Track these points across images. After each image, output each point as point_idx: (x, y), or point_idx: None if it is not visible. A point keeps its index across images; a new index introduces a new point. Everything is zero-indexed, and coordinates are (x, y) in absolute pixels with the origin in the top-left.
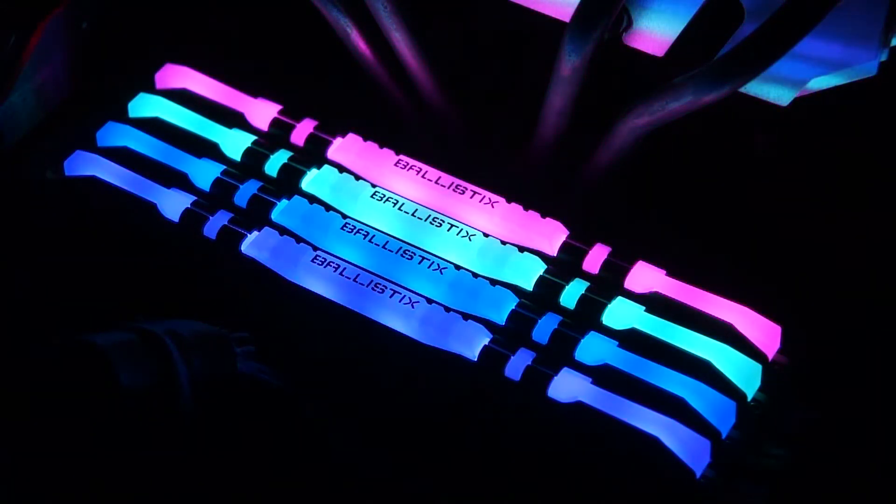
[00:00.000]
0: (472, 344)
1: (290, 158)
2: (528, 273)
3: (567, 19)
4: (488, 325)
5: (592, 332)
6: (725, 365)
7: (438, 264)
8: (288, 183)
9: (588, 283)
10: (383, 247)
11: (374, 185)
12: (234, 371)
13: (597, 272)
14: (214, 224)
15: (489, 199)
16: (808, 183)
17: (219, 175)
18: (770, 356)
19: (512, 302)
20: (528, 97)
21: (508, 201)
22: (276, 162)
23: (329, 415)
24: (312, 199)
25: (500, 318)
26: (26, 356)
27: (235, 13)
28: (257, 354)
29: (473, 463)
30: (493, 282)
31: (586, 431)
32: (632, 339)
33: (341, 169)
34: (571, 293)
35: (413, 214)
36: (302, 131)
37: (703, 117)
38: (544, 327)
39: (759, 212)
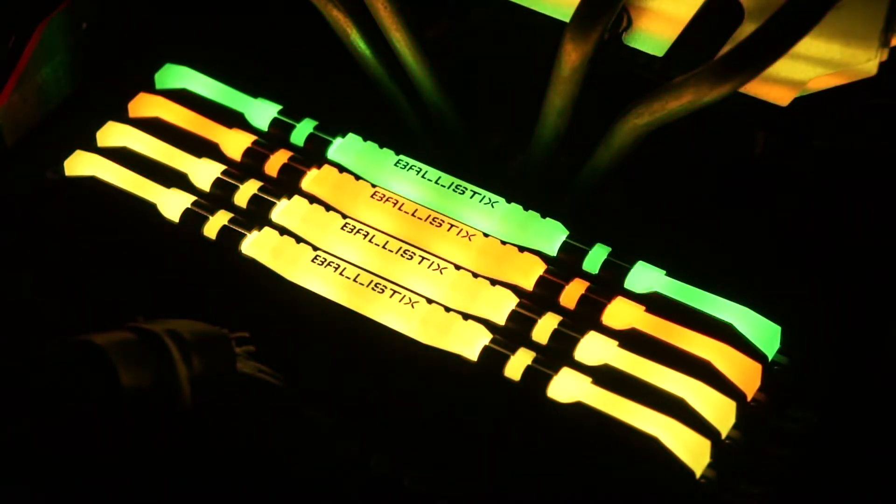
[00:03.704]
0: (472, 344)
1: (290, 159)
2: (528, 273)
3: (567, 19)
4: (488, 325)
5: (592, 332)
6: (725, 365)
7: (438, 264)
8: (288, 183)
9: (588, 283)
10: (383, 247)
11: (373, 186)
12: (234, 371)
13: (597, 272)
14: (214, 224)
15: (489, 199)
16: (808, 183)
17: (219, 175)
18: (770, 356)
19: (512, 302)
20: (528, 97)
21: (508, 201)
22: (276, 162)
23: (329, 415)
24: (312, 199)
25: (500, 318)
26: (26, 356)
27: (235, 13)
28: (257, 354)
29: (473, 463)
30: (493, 282)
31: (586, 431)
32: (632, 339)
33: (341, 169)
34: (571, 293)
35: (413, 214)
36: (302, 131)
37: (703, 117)
38: (544, 327)
39: (759, 212)
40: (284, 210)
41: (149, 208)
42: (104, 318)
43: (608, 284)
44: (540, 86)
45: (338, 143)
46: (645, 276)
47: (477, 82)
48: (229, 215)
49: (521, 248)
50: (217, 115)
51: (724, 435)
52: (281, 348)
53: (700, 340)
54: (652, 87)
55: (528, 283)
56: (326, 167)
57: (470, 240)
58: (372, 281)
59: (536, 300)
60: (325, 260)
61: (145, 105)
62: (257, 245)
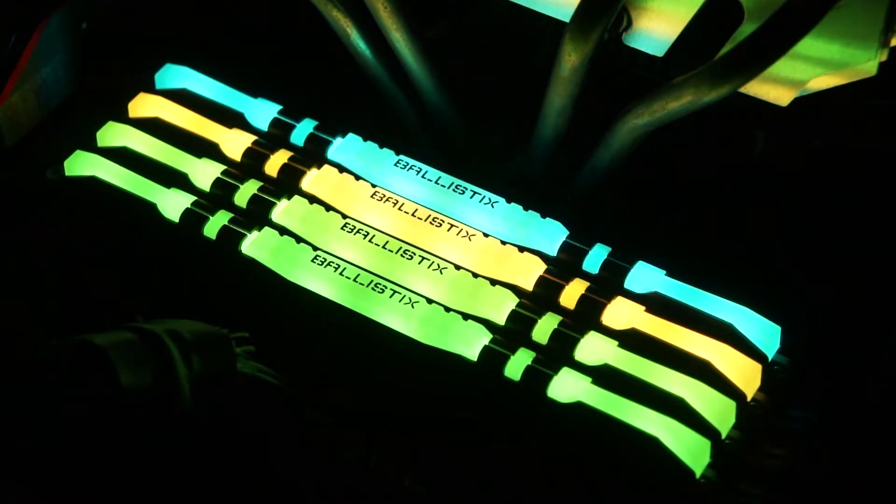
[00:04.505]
0: (472, 344)
1: (290, 158)
2: (528, 273)
3: (567, 19)
4: (488, 325)
5: (592, 332)
6: (725, 365)
7: (438, 264)
8: (288, 183)
9: (588, 283)
10: (383, 247)
11: (373, 186)
12: (234, 371)
13: (597, 272)
14: (214, 224)
15: (489, 199)
16: (808, 183)
17: (219, 175)
18: (770, 356)
19: (512, 302)
20: (528, 97)
21: (508, 201)
22: (276, 162)
23: (329, 415)
24: (312, 199)
25: (500, 318)
26: (26, 356)
27: (235, 13)
28: (257, 354)
29: (474, 463)
30: (493, 282)
31: (586, 431)
32: (632, 339)
33: (341, 169)
34: (571, 293)
35: (413, 214)
36: (302, 131)
37: (703, 117)
38: (544, 327)
39: (759, 212)
40: (284, 210)
41: (149, 208)
42: (104, 318)
43: (608, 284)
44: (540, 86)
45: (338, 143)
46: (645, 276)
47: (477, 82)
48: (229, 215)
49: (521, 248)
50: (217, 115)
51: (724, 435)
52: (281, 348)
53: (700, 340)
54: (652, 87)
55: (528, 283)
56: (326, 167)
57: (470, 240)
58: (372, 281)
59: (536, 300)
60: (325, 260)
61: (145, 105)
62: (257, 245)
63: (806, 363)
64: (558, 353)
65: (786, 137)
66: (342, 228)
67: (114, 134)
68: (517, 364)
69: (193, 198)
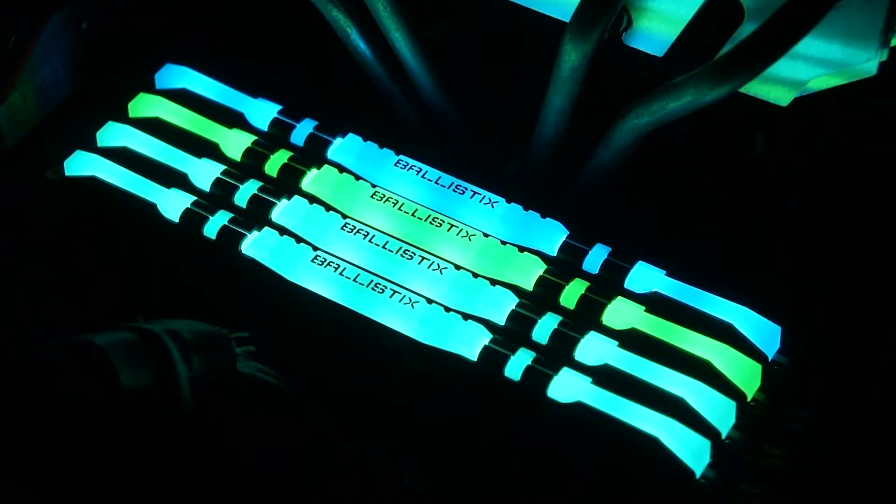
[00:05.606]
0: (472, 344)
1: (290, 158)
2: (528, 273)
3: (567, 19)
4: (488, 325)
5: (592, 332)
6: (725, 365)
7: (438, 264)
8: (288, 183)
9: (588, 283)
10: (383, 247)
11: (374, 185)
12: (234, 371)
13: (597, 272)
14: (214, 224)
15: (489, 199)
16: (808, 183)
17: (219, 175)
18: (770, 356)
19: (512, 302)
20: (528, 97)
21: (508, 201)
22: (276, 162)
23: (329, 415)
24: (312, 199)
25: (500, 318)
26: (26, 356)
27: (235, 13)
28: (257, 354)
29: (473, 463)
30: (493, 282)
31: (586, 431)
32: (632, 339)
33: (341, 169)
34: (571, 293)
35: (413, 214)
36: (302, 131)
37: (703, 117)
38: (544, 327)
39: (759, 212)
40: (284, 210)
41: (149, 208)
42: (104, 318)
43: (608, 284)
44: (540, 86)
45: (338, 143)
46: (645, 276)
47: (477, 82)
48: (229, 215)
49: (521, 248)
50: (217, 115)
51: (724, 435)
52: (281, 348)
53: (700, 340)
54: (652, 87)
55: (528, 283)
56: (326, 167)
57: (470, 240)
58: (372, 281)
59: (536, 300)
60: (325, 260)
61: (145, 105)
62: (257, 245)
63: (806, 363)
64: (558, 353)
65: (786, 137)
66: (342, 228)
67: (114, 134)
68: (517, 364)
69: (193, 198)
